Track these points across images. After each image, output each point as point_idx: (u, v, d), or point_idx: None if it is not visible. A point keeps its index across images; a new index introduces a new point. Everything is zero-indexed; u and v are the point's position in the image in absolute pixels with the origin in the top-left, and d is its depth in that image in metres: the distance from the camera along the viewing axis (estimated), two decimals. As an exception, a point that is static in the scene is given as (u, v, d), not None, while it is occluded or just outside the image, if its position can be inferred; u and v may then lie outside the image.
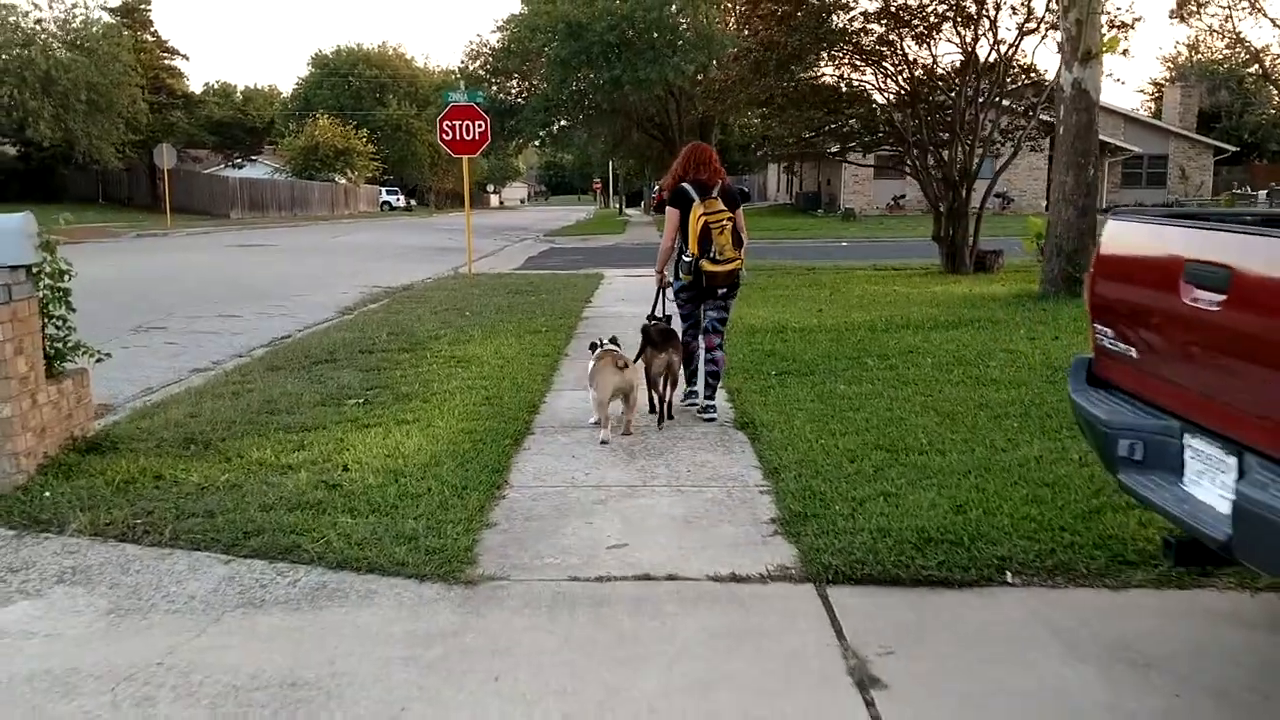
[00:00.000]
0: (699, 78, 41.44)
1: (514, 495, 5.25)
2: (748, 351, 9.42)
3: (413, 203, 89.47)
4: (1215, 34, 46.93)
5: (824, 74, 17.69)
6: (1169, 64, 55.75)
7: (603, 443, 6.25)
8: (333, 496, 5.04)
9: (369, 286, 17.46)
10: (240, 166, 64.78)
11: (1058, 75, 12.12)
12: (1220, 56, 50.60)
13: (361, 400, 7.34)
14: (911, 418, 6.63)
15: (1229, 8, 40.41)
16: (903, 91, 16.71)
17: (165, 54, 51.29)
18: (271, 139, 71.30)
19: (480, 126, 18.02)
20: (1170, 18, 41.01)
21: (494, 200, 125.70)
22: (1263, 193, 39.94)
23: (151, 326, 12.42)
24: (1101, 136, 17.43)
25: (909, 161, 17.57)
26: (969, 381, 7.77)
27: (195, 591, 4.14)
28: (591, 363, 6.58)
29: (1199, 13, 42.30)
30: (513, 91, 44.65)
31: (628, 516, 4.93)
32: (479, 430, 6.39)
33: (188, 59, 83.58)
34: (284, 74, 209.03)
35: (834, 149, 19.31)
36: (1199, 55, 51.69)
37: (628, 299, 14.30)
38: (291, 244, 30.84)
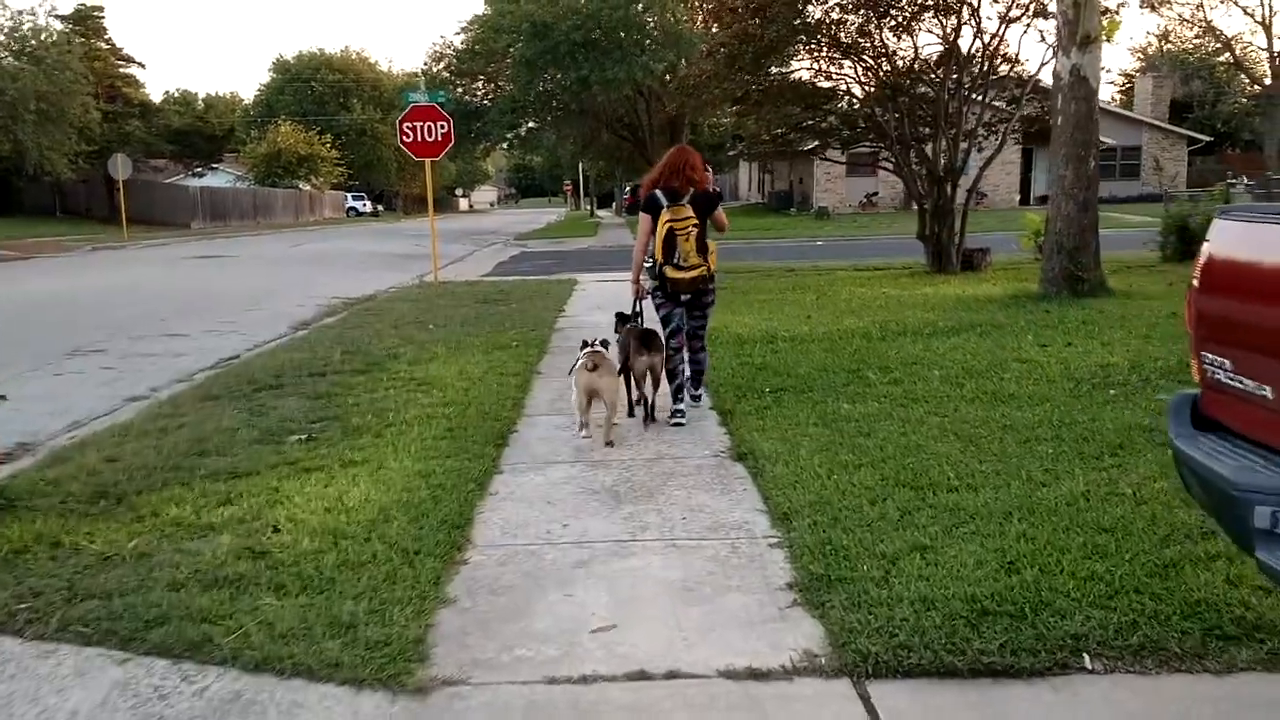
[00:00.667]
0: (668, 77, 40.70)
1: (478, 559, 4.41)
2: (737, 365, 8.63)
3: (380, 208, 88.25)
4: (1186, 23, 46.68)
5: (800, 68, 16.97)
6: (1139, 54, 55.55)
7: (584, 437, 6.44)
8: (257, 568, 4.19)
9: (328, 299, 16.54)
10: (200, 175, 63.41)
11: (1054, 62, 11.40)
12: (1191, 46, 50.37)
13: (304, 437, 6.47)
14: (930, 444, 5.84)
15: (1199, -4, 40.17)
16: (883, 85, 15.97)
17: (120, 61, 49.90)
18: (232, 146, 69.96)
19: (443, 128, 17.15)
20: (1141, 6, 40.58)
21: (463, 204, 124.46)
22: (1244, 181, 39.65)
23: (90, 349, 11.47)
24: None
25: (891, 158, 16.85)
26: (985, 398, 7.00)
27: (79, 705, 3.29)
28: (577, 361, 6.56)
29: (1169, 2, 42.03)
30: (479, 93, 43.76)
31: (615, 584, 4.11)
32: (438, 472, 5.54)
33: (144, 67, 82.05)
34: (246, 81, 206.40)
35: (811, 146, 18.52)
36: (1169, 45, 51.45)
37: (603, 306, 13.50)
38: (251, 254, 29.79)
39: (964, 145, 15.83)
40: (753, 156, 18.83)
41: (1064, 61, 11.13)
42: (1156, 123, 45.76)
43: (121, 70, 50.43)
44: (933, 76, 16.01)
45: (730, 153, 65.39)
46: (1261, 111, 45.76)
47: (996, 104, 17.56)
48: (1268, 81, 44.85)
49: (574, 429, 6.68)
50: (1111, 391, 7.07)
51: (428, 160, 17.40)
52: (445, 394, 7.72)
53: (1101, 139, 36.92)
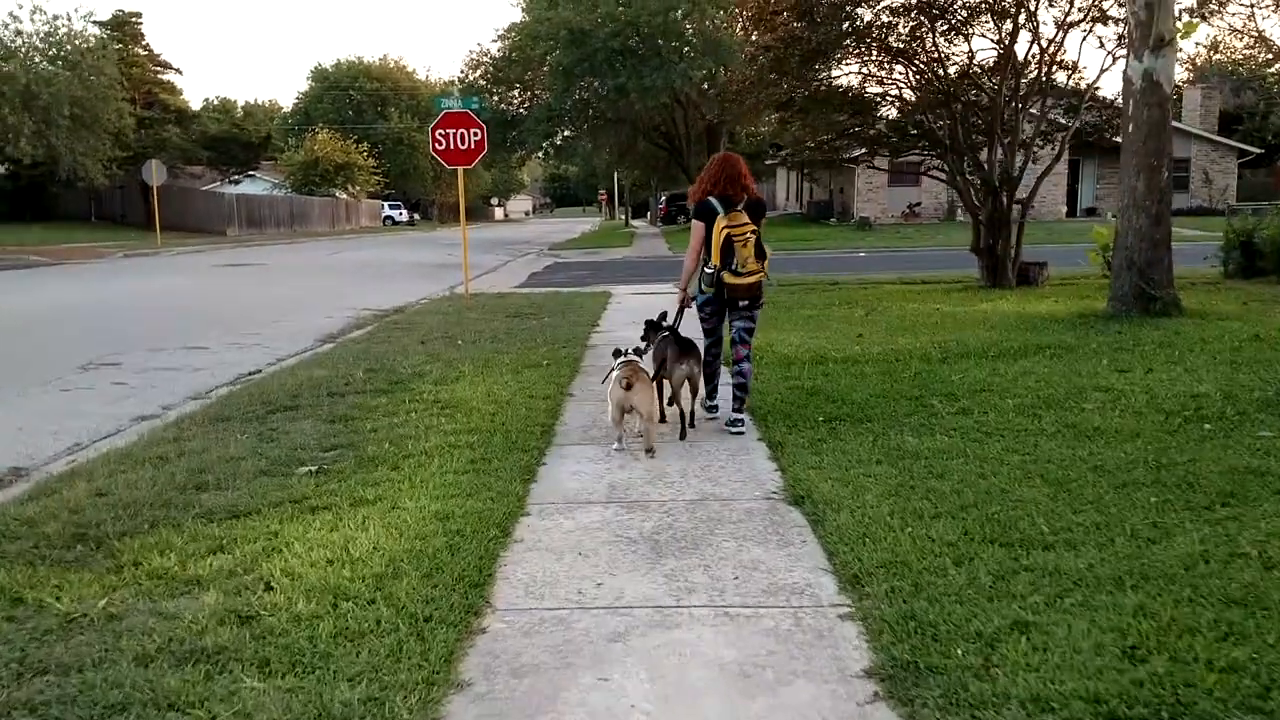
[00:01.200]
0: (706, 85, 40.13)
1: (498, 627, 3.78)
2: (785, 389, 7.98)
3: (416, 217, 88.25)
4: (1236, 33, 45.39)
5: (848, 73, 16.28)
6: (1189, 65, 54.21)
7: (615, 450, 6.36)
8: (241, 638, 3.58)
9: (358, 310, 16.07)
10: (237, 182, 63.51)
11: (1125, 66, 10.65)
12: (1241, 57, 49.07)
13: (315, 469, 5.89)
14: (1014, 488, 5.15)
15: (1252, 6, 38.95)
16: (935, 90, 15.25)
17: (158, 68, 50.03)
18: (269, 154, 70.11)
19: (476, 135, 16.61)
20: (1190, 17, 39.45)
21: (498, 213, 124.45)
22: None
23: (103, 362, 11.00)
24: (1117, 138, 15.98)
25: (943, 166, 16.12)
26: (1068, 433, 6.30)
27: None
28: (613, 371, 6.48)
29: (1220, 11, 40.83)
30: (514, 101, 43.38)
31: (658, 665, 3.47)
32: (457, 515, 4.93)
33: (181, 73, 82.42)
34: (285, 88, 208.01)
35: (858, 153, 17.81)
36: (1219, 55, 50.18)
37: (639, 320, 12.87)
38: (283, 263, 29.48)
39: (1021, 154, 15.07)
40: (797, 164, 18.13)
41: (1135, 65, 10.38)
42: (1206, 134, 44.57)
43: (159, 76, 50.51)
44: (988, 83, 15.28)
45: (768, 162, 64.91)
46: (1318, 122, 44.47)
47: (1053, 114, 16.77)
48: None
49: (608, 459, 6.12)
50: (1206, 426, 6.35)
51: (460, 168, 16.86)
52: (470, 419, 7.12)
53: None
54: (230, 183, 63.00)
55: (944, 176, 16.64)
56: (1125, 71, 10.66)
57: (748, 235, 6.60)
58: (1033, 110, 15.53)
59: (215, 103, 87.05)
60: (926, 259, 26.18)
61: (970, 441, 6.15)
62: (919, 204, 43.89)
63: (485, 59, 43.02)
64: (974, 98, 15.59)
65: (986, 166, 15.10)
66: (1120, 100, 11.36)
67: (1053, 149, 15.89)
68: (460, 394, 8.07)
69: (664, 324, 7.08)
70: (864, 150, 17.07)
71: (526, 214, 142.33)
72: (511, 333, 11.89)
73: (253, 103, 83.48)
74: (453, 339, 11.48)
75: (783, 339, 10.58)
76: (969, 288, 15.80)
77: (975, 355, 9.13)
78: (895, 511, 4.83)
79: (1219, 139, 45.13)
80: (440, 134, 16.60)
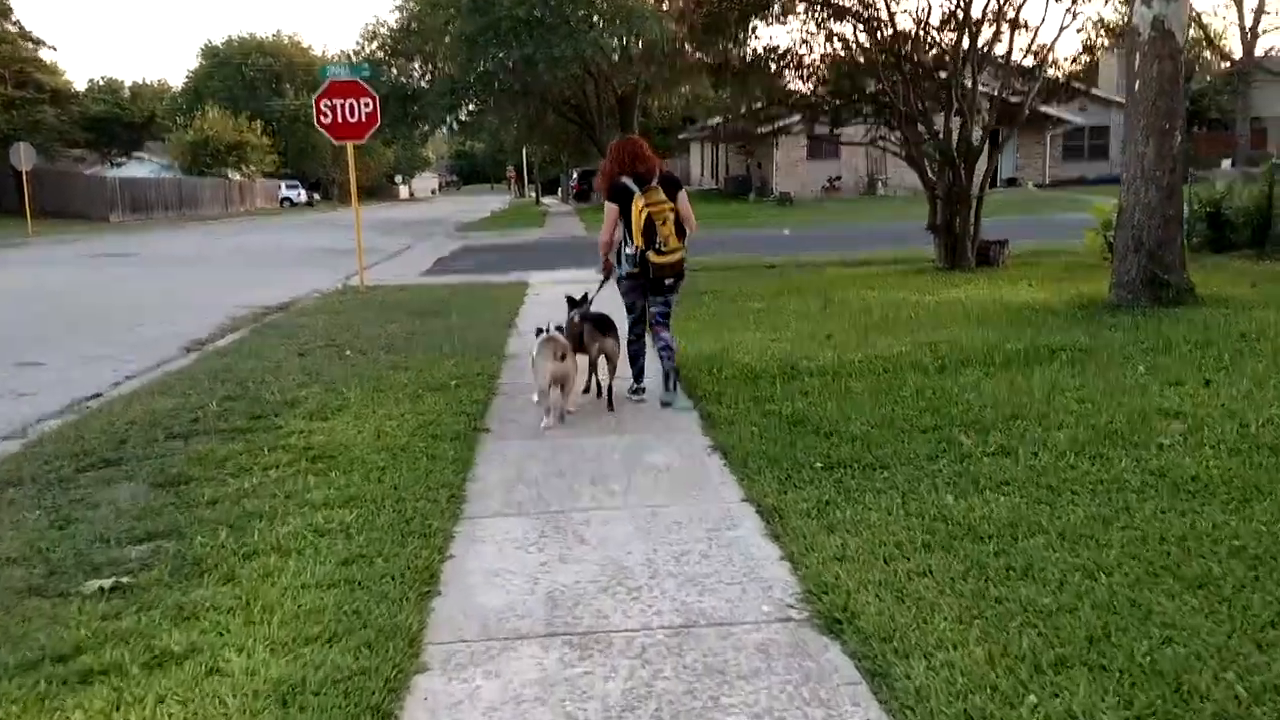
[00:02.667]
0: (617, 56, 38.27)
1: None
2: (760, 417, 6.28)
3: (316, 197, 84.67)
4: None
5: (790, 31, 14.59)
6: (1103, 30, 53.74)
7: (544, 429, 6.37)
8: None
9: (238, 307, 13.95)
10: (120, 165, 59.62)
11: (1132, 13, 9.11)
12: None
13: (110, 583, 3.99)
14: (1148, 597, 3.51)
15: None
16: (884, 50, 13.64)
17: (30, 44, 46.12)
18: (156, 134, 66.17)
19: (368, 106, 14.57)
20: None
21: (403, 192, 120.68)
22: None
23: (-100, 389, 8.83)
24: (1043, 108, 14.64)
25: (894, 137, 14.57)
26: (1159, 485, 4.69)
27: None
28: (535, 348, 6.54)
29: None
30: (415, 74, 40.92)
31: None
32: (310, 684, 3.11)
33: (56, 50, 77.35)
34: (175, 67, 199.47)
35: (790, 120, 16.10)
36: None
37: (562, 318, 11.17)
38: (164, 252, 26.85)
39: (983, 120, 13.59)
40: (730, 136, 16.37)
41: (1143, 11, 8.85)
42: (1124, 102, 44.07)
43: (30, 54, 46.57)
44: (942, 37, 13.75)
45: (682, 136, 63.16)
46: (1232, 90, 44.28)
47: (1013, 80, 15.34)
48: (1238, 58, 43.34)
49: (540, 539, 4.42)
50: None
51: (350, 143, 14.81)
52: (349, 479, 5.27)
53: (1068, 118, 34.52)
54: (113, 165, 59.03)
55: (894, 148, 15.09)
56: (1131, 20, 9.13)
57: (667, 213, 6.55)
58: (988, 71, 14.04)
59: (101, 83, 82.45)
60: (857, 236, 24.74)
61: (1036, 503, 4.51)
62: (839, 178, 42.65)
63: (382, 29, 40.47)
64: (927, 59, 14.05)
65: (942, 135, 13.56)
66: (1121, 53, 9.85)
67: (1021, 112, 14.41)
68: (340, 435, 6.20)
69: (584, 299, 7.05)
70: (800, 118, 15.41)
71: (433, 192, 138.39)
72: (412, 338, 9.99)
73: (141, 82, 79.04)
74: (340, 348, 9.54)
75: (739, 341, 8.88)
76: (925, 270, 14.30)
77: (978, 362, 7.52)
78: (996, 656, 3.14)
79: (1136, 107, 44.66)
80: (326, 105, 14.53)
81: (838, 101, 14.57)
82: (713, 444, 5.91)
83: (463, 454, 5.78)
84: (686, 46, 14.05)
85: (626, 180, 6.62)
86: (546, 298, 13.47)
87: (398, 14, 39.91)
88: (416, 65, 41.30)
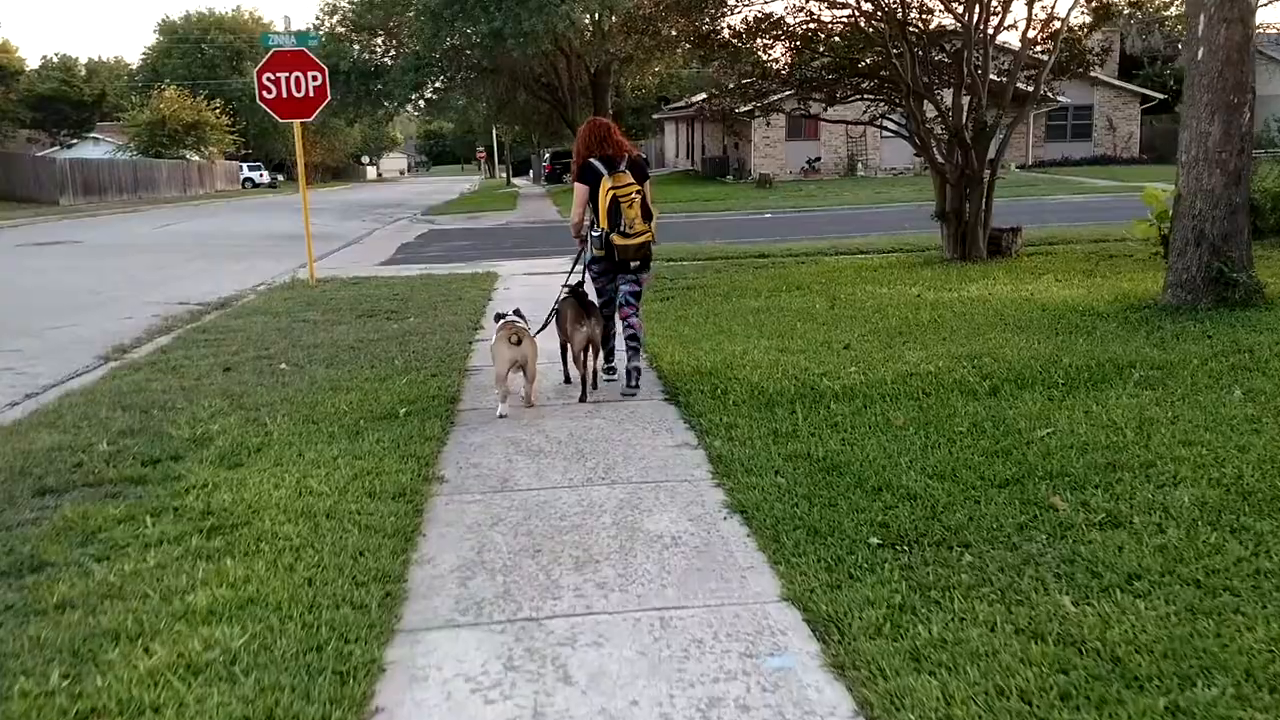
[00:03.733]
0: (590, 30, 36.74)
1: None
2: (784, 461, 5.02)
3: (279, 178, 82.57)
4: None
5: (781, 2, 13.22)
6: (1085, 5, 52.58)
7: (500, 416, 6.26)
8: None
9: (172, 304, 12.58)
10: (70, 145, 57.38)
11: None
12: (1138, -1, 47.62)
13: None
14: None
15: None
16: (891, 18, 12.31)
17: (-33, 16, 43.84)
18: (108, 114, 63.94)
19: (316, 79, 13.10)
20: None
21: (371, 173, 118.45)
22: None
23: None
24: (1020, 85, 13.45)
25: (898, 115, 13.25)
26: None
27: None
28: (494, 334, 6.55)
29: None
30: (378, 50, 39.19)
31: None
32: None
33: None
34: (131, 44, 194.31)
35: (780, 97, 14.71)
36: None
37: (536, 316, 9.85)
38: (104, 239, 25.14)
39: (995, 100, 12.31)
40: (715, 114, 14.89)
41: (1210, -32, 7.61)
42: (1110, 80, 42.95)
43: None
44: (952, 7, 12.41)
45: (655, 116, 61.62)
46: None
47: (1014, 48, 14.06)
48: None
49: (508, 673, 3.10)
50: None
51: (296, 122, 13.34)
52: (249, 570, 3.92)
53: (1055, 97, 33.18)
54: (63, 146, 56.80)
55: (894, 128, 13.78)
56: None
57: (633, 196, 6.54)
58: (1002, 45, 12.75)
59: (55, 61, 79.92)
60: (844, 219, 23.53)
61: (1190, 615, 3.25)
62: (819, 159, 41.32)
63: (343, 3, 38.69)
64: (936, 29, 12.74)
65: (952, 114, 12.27)
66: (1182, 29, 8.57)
67: (1034, 90, 13.13)
68: (251, 492, 4.85)
69: (568, 285, 6.94)
70: (792, 95, 14.05)
71: (401, 173, 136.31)
72: (360, 347, 8.61)
73: (97, 60, 76.65)
74: (274, 360, 8.16)
75: (743, 352, 7.57)
76: (933, 261, 13.03)
77: (1035, 382, 6.25)
78: None
79: (1122, 84, 43.64)
80: (269, 79, 13.04)
81: (833, 76, 13.22)
82: (729, 501, 4.62)
83: (407, 520, 4.45)
84: (668, 15, 12.56)
85: (595, 162, 6.64)
86: (517, 292, 12.13)
87: (360, -14, 38.09)
88: (379, 41, 39.55)
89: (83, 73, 75.49)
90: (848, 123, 14.62)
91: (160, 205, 46.10)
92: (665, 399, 6.59)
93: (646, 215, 6.62)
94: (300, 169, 13.90)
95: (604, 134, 6.77)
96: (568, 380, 7.05)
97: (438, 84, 39.61)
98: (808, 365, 7.02)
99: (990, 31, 12.41)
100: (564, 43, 37.38)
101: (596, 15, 36.30)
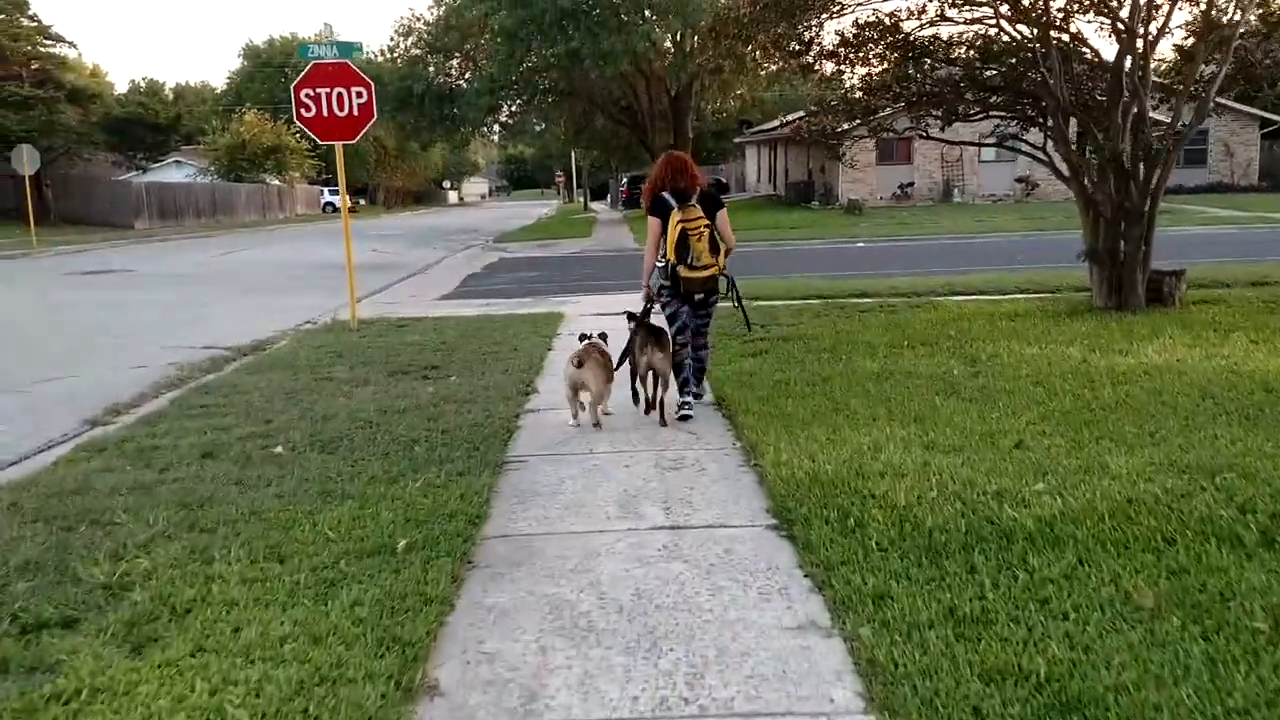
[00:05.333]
0: (671, 51, 35.14)
1: None
2: (982, 686, 3.08)
3: (361, 202, 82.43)
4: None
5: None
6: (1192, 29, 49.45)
7: (571, 425, 6.67)
8: None
9: (197, 348, 11.08)
10: (144, 169, 57.39)
11: None
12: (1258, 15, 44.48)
13: None
14: None
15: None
16: (1035, 21, 10.29)
17: (48, 41, 43.86)
18: (188, 138, 64.07)
19: (360, 96, 11.51)
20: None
21: (452, 197, 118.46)
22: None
23: None
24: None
25: (1048, 134, 11.16)
26: None
27: None
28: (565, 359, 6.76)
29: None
30: (453, 73, 38.00)
31: None
32: None
33: (75, 46, 75.47)
34: (217, 69, 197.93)
35: (881, 116, 12.65)
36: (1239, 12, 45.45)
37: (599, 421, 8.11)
38: (159, 268, 23.99)
39: (1154, 119, 10.22)
40: (815, 136, 12.71)
41: None
42: (1227, 103, 39.98)
43: (46, 50, 44.28)
44: (1111, 5, 10.32)
45: (737, 140, 59.77)
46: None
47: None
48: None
49: None
50: None
51: (338, 144, 11.76)
52: None
53: (1163, 120, 30.78)
54: (139, 170, 56.81)
55: (1030, 150, 11.69)
56: None
57: (701, 229, 6.62)
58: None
59: (142, 85, 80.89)
60: (947, 252, 21.42)
61: None
62: (911, 184, 39.03)
63: (418, 24, 37.59)
64: (1094, 28, 10.71)
65: (1111, 135, 10.17)
66: None
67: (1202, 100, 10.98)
68: (140, 712, 3.07)
69: (645, 314, 6.84)
70: (907, 112, 12.03)
71: (482, 197, 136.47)
72: (380, 423, 6.84)
73: (184, 84, 77.30)
74: (271, 439, 6.45)
75: (874, 446, 5.60)
76: (1078, 307, 10.93)
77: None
78: None
79: (1240, 107, 40.57)
80: (308, 95, 11.48)
81: (954, 91, 11.22)
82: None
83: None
84: (765, 17, 10.61)
85: (667, 195, 6.76)
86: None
87: (435, 7, 36.94)
88: (455, 64, 38.37)
89: (169, 97, 76.24)
90: (966, 144, 12.60)
91: (236, 230, 45.55)
92: (773, 526, 4.68)
93: (714, 249, 6.70)
94: (342, 193, 12.32)
95: (679, 167, 6.88)
96: (635, 401, 7.03)
97: (513, 107, 38.29)
98: (971, 475, 5.04)
99: (1153, 36, 10.33)
100: (643, 64, 35.79)
101: (679, 35, 34.66)
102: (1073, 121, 10.95)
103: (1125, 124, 10.15)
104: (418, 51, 37.50)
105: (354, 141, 11.98)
